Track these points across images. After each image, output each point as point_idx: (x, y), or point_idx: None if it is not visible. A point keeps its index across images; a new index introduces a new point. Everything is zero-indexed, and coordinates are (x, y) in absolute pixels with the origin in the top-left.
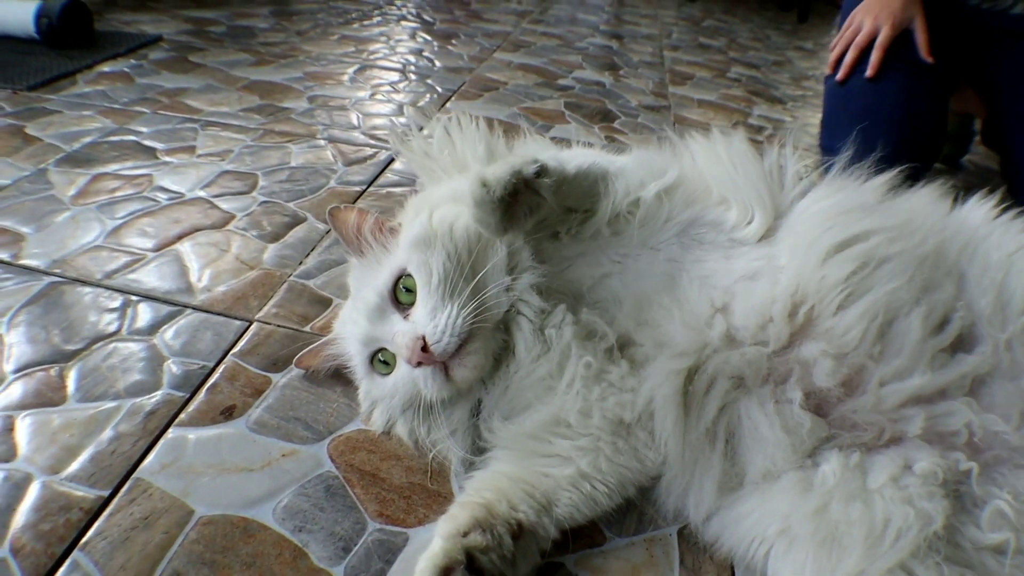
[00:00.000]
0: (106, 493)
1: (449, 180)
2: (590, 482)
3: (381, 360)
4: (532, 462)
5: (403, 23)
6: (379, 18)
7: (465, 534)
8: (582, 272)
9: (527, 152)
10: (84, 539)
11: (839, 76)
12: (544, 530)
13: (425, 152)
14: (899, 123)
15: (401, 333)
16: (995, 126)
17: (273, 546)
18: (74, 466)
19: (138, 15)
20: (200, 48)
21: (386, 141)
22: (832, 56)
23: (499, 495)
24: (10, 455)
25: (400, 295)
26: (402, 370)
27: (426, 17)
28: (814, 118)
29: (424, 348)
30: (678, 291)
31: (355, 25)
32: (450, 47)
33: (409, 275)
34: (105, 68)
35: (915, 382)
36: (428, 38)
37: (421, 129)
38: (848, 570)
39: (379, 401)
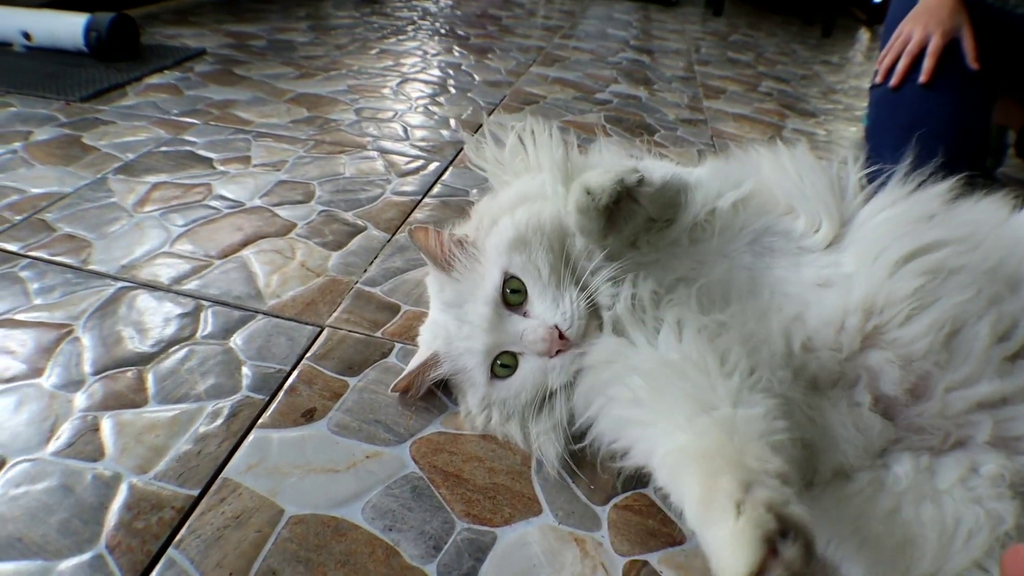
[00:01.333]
0: (196, 492)
1: (517, 181)
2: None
3: (501, 364)
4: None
5: (437, 37)
6: (413, 32)
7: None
8: (658, 277)
9: (613, 161)
10: (178, 537)
11: (893, 82)
12: None
13: (497, 160)
14: (949, 133)
15: (531, 329)
16: None
17: (365, 544)
18: (161, 465)
19: (181, 29)
20: (243, 61)
21: (434, 152)
22: (882, 66)
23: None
24: (97, 455)
25: (509, 298)
26: (528, 366)
27: (459, 32)
28: (846, 130)
29: (561, 336)
30: (756, 299)
31: (392, 40)
32: (487, 61)
33: (513, 277)
34: (153, 80)
35: (982, 389)
36: (464, 52)
37: (480, 134)
38: (922, 571)
39: (500, 402)
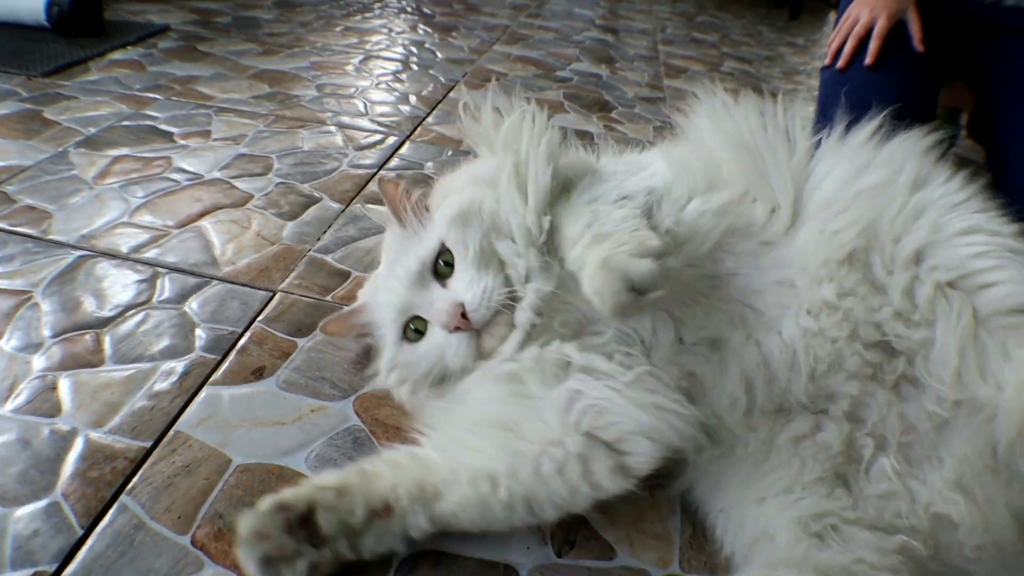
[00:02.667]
0: (148, 444)
1: (483, 160)
2: (493, 484)
3: (413, 328)
4: (456, 448)
5: (403, 16)
6: (379, 10)
7: (324, 489)
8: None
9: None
10: (130, 484)
11: (840, 64)
12: (415, 520)
13: (488, 130)
14: (893, 111)
15: (440, 299)
16: (982, 119)
17: None
18: (116, 420)
19: (145, 5)
20: (207, 38)
21: (393, 127)
22: (831, 48)
23: (389, 472)
24: (55, 411)
25: (439, 268)
26: (434, 338)
27: (426, 10)
28: (805, 111)
29: (463, 315)
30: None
31: (357, 17)
32: (451, 39)
33: (448, 250)
34: (116, 56)
35: (850, 389)
36: (429, 30)
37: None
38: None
39: (404, 366)
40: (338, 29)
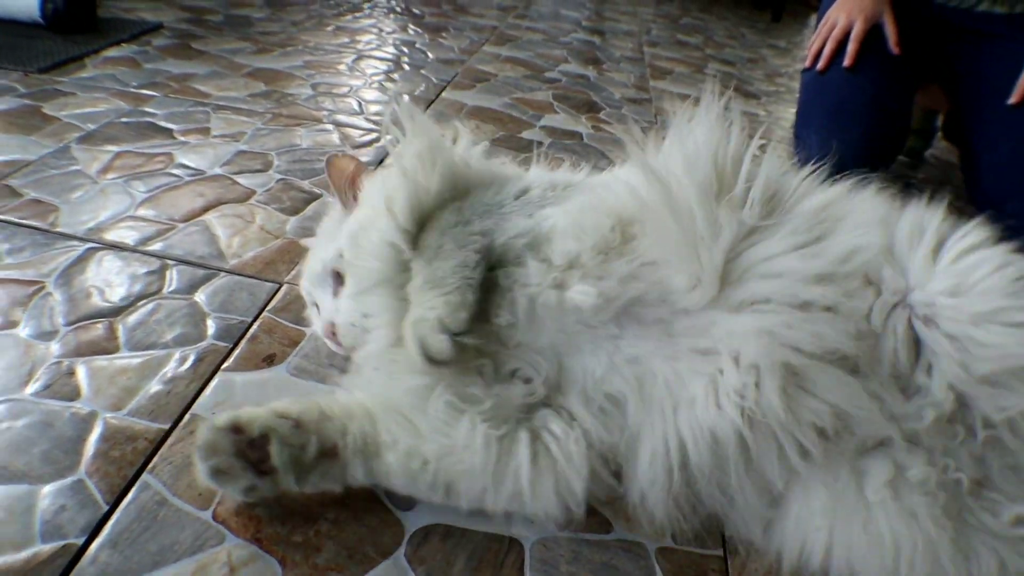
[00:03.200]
0: (167, 426)
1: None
2: (423, 463)
3: None
4: (398, 413)
5: (392, 16)
6: (369, 10)
7: (283, 417)
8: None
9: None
10: (151, 464)
11: (820, 66)
12: (354, 469)
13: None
14: (870, 114)
15: (323, 311)
16: (956, 121)
17: None
18: (133, 404)
19: (136, 2)
20: (201, 36)
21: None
22: (811, 51)
23: (342, 416)
24: (74, 395)
25: (340, 271)
26: None
27: (415, 11)
28: (787, 112)
29: (334, 333)
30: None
31: (347, 17)
32: (441, 39)
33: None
34: (111, 53)
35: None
36: (419, 30)
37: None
38: None
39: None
40: (329, 28)
